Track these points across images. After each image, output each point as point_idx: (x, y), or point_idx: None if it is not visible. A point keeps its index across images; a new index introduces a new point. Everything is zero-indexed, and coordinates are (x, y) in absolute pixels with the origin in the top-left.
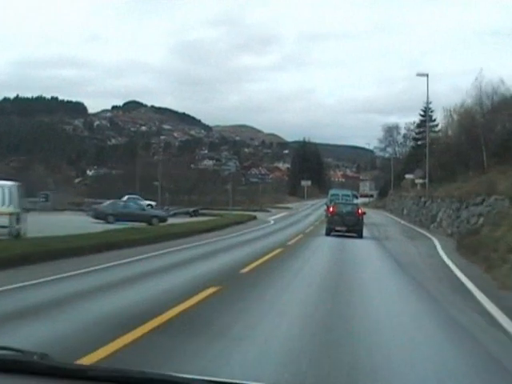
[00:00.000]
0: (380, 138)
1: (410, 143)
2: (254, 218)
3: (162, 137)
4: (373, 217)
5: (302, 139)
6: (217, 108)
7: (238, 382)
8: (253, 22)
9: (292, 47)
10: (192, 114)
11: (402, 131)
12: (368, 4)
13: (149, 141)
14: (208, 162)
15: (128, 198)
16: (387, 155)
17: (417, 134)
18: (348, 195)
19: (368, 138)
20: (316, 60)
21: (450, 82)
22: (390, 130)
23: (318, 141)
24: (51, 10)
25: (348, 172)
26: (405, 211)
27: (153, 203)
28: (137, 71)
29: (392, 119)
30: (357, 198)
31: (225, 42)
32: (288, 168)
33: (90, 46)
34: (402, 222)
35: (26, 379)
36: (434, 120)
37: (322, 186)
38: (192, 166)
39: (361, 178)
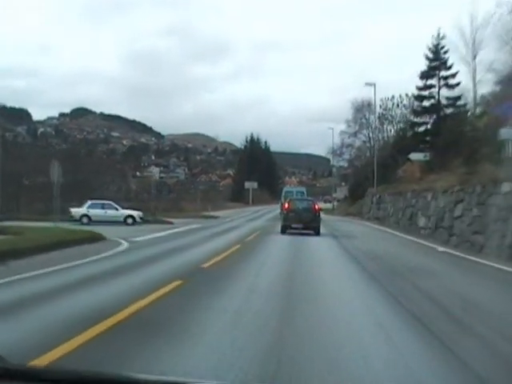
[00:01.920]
0: (349, 119)
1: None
2: (97, 239)
3: (111, 144)
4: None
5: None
6: (170, 117)
7: (192, 381)
8: (205, 32)
9: (246, 57)
10: (143, 121)
11: (378, 110)
12: (320, 14)
13: (94, 148)
14: (154, 169)
15: None
16: (350, 154)
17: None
18: (302, 192)
19: (322, 146)
20: (270, 69)
21: (398, 89)
22: (361, 110)
23: (273, 149)
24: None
25: (304, 179)
26: (421, 221)
27: None
28: (88, 80)
29: (343, 128)
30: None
31: (178, 51)
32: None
33: (41, 56)
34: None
35: None
36: (450, 67)
37: (273, 191)
38: (137, 173)
39: (317, 185)
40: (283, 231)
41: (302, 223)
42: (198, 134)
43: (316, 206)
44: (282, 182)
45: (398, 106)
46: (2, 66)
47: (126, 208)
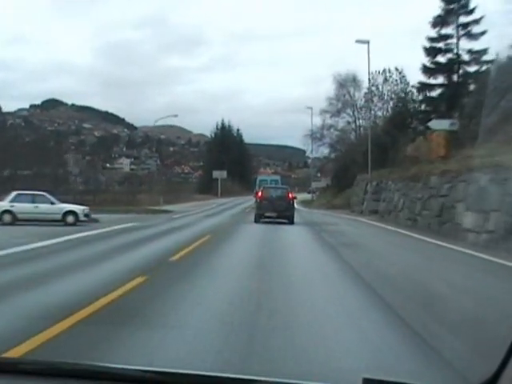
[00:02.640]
0: (330, 96)
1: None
2: None
3: (82, 136)
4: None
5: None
6: (144, 109)
7: (169, 370)
8: (179, 23)
9: (220, 48)
10: (116, 113)
11: (364, 85)
12: (294, 5)
13: (64, 139)
14: (125, 161)
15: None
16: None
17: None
18: (277, 181)
19: (297, 137)
20: (244, 61)
21: None
22: (345, 85)
23: (247, 141)
24: None
25: (280, 170)
26: (466, 218)
27: None
28: (61, 72)
29: (319, 120)
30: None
31: (151, 43)
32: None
33: (12, 47)
34: None
35: None
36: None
37: (246, 182)
38: (107, 165)
39: (293, 176)
40: (256, 220)
41: (276, 212)
42: (172, 126)
43: (290, 194)
44: (256, 172)
45: (386, 79)
46: None
47: (73, 202)
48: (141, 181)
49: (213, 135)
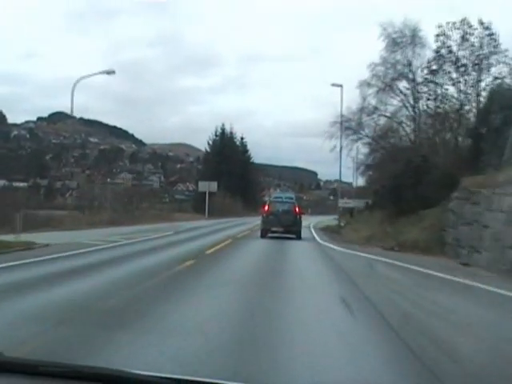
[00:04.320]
0: (376, 62)
1: None
2: None
3: (88, 150)
4: None
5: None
6: (155, 127)
7: (188, 378)
8: (192, 44)
9: (232, 69)
10: (124, 128)
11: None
12: (306, 27)
13: (67, 152)
14: (127, 176)
15: None
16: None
17: None
18: (291, 198)
19: (308, 160)
20: (256, 82)
21: None
22: (400, 45)
23: (257, 161)
24: None
25: (290, 192)
26: None
27: None
28: (71, 88)
29: (331, 144)
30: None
31: (164, 62)
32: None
33: (25, 63)
34: None
35: None
36: None
37: (250, 201)
38: (108, 179)
39: (304, 197)
40: (263, 235)
41: (283, 227)
42: (181, 144)
43: (297, 209)
44: (263, 192)
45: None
46: None
47: None
48: (141, 197)
49: (210, 142)
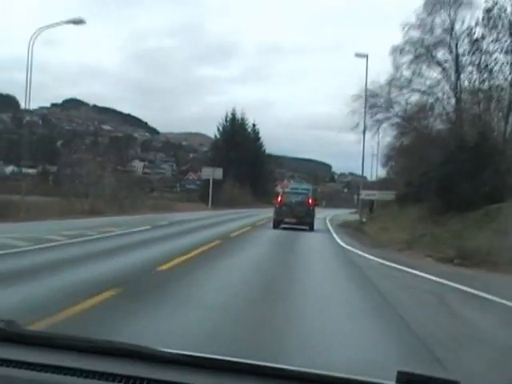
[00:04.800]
0: (411, 22)
1: None
2: None
3: (100, 138)
4: None
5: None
6: (171, 116)
7: (212, 356)
8: (212, 34)
9: (251, 60)
10: (139, 116)
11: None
12: (326, 20)
13: (80, 139)
14: (138, 164)
15: None
16: None
17: None
18: (308, 189)
19: (323, 153)
20: (275, 73)
21: None
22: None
23: (271, 153)
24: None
25: (304, 183)
26: None
27: None
28: (90, 75)
29: (346, 137)
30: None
31: (183, 51)
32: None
33: (41, 50)
34: None
35: None
36: None
37: (260, 192)
38: (119, 167)
39: (318, 190)
40: (275, 226)
41: (295, 218)
42: (197, 134)
43: (310, 200)
44: (277, 183)
45: None
46: (2, 58)
47: None
48: (152, 186)
49: (220, 128)
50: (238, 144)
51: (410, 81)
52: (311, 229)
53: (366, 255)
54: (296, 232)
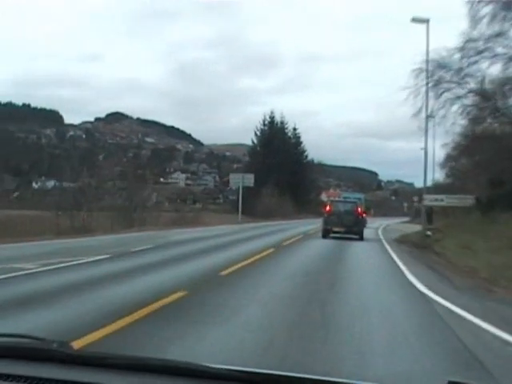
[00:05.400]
0: None
1: None
2: None
3: (144, 151)
4: None
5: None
6: (214, 128)
7: (261, 371)
8: (252, 44)
9: (291, 69)
10: (182, 128)
11: None
12: (366, 27)
13: (122, 153)
14: (180, 176)
15: None
16: None
17: None
18: (360, 199)
19: (368, 160)
20: (315, 83)
21: None
22: None
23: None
24: (44, 26)
25: (351, 192)
26: None
27: None
28: (132, 89)
29: (391, 144)
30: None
31: (223, 63)
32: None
33: (84, 65)
34: None
35: (46, 367)
36: None
37: (301, 200)
38: (161, 179)
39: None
40: (324, 236)
41: (344, 227)
42: (240, 145)
43: (359, 209)
44: (321, 192)
45: None
46: (48, 74)
47: None
48: (194, 198)
49: (258, 133)
50: (276, 150)
51: (496, 36)
52: (361, 238)
53: (463, 312)
54: (342, 265)
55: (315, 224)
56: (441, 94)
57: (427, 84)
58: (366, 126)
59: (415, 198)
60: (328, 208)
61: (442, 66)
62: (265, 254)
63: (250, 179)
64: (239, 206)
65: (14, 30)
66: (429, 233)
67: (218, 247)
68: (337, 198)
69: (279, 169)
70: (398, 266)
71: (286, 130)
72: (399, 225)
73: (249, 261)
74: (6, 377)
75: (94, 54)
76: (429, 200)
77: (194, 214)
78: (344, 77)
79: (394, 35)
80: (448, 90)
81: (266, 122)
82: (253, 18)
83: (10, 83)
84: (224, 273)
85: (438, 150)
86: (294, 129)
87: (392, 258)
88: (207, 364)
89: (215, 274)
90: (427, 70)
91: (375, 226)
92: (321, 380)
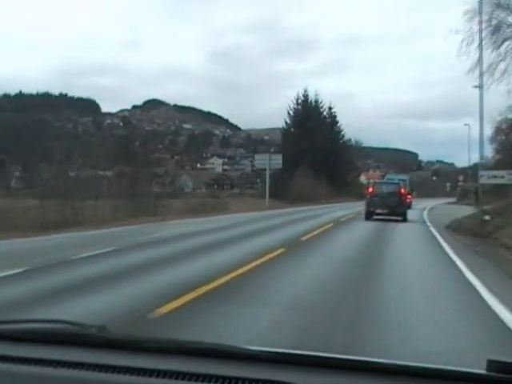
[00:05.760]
0: None
1: None
2: None
3: (181, 137)
4: None
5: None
6: (252, 113)
7: (300, 352)
8: (290, 27)
9: (330, 52)
10: (220, 113)
11: None
12: (405, 8)
13: (155, 138)
14: (217, 161)
15: None
16: None
17: None
18: (405, 180)
19: (408, 141)
20: (354, 64)
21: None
22: None
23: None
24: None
25: (391, 173)
26: None
27: None
28: (169, 76)
29: (432, 124)
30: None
31: (262, 46)
32: None
33: (123, 52)
34: None
35: (84, 352)
36: None
37: (338, 183)
38: (198, 165)
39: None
40: (367, 217)
41: (387, 208)
42: (279, 129)
43: (402, 190)
44: (358, 175)
45: None
46: (86, 63)
47: None
48: (231, 183)
49: (291, 113)
50: (311, 130)
51: None
52: (404, 219)
53: None
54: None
55: (354, 208)
56: (502, 43)
57: (480, 31)
58: (406, 107)
59: (460, 177)
60: (371, 189)
61: (502, 6)
62: (273, 255)
63: (277, 160)
64: (266, 191)
65: (49, 20)
66: (487, 217)
67: (211, 247)
68: (380, 180)
69: (314, 150)
70: (463, 274)
71: (321, 110)
72: (445, 207)
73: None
74: (44, 362)
75: (132, 41)
76: (486, 177)
77: (219, 200)
78: (383, 58)
79: (432, 16)
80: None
81: (300, 101)
82: (291, 1)
83: (47, 73)
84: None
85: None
86: (330, 108)
87: (450, 256)
88: (241, 346)
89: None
90: (480, 10)
91: (420, 208)
92: (360, 360)
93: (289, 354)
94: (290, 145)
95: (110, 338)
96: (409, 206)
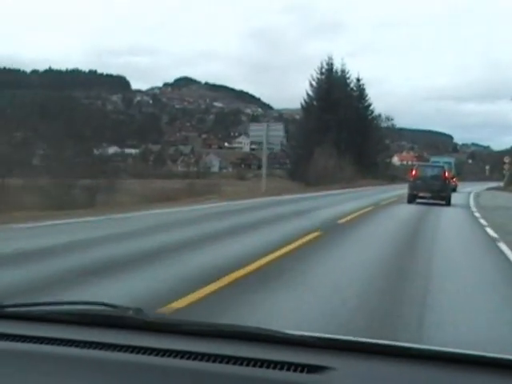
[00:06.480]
0: None
1: None
2: None
3: (211, 115)
4: None
5: None
6: (285, 93)
7: (340, 337)
8: (324, 9)
9: (363, 34)
10: (252, 92)
11: None
12: None
13: (182, 116)
14: (245, 140)
15: None
16: None
17: None
18: (450, 163)
19: (444, 123)
20: (388, 47)
21: None
22: None
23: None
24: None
25: (425, 155)
26: None
27: None
28: (203, 55)
29: (468, 106)
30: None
31: (296, 28)
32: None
33: (159, 33)
34: None
35: (121, 334)
36: None
37: (366, 164)
38: (226, 144)
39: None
40: (410, 201)
41: (430, 192)
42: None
43: (446, 174)
44: (391, 156)
45: None
46: (124, 44)
47: None
48: (259, 163)
49: (314, 83)
50: (336, 103)
51: None
52: (448, 204)
53: None
54: None
55: (389, 192)
56: None
57: None
58: (441, 89)
59: (506, 159)
60: (414, 172)
61: None
62: None
63: (277, 131)
64: (263, 171)
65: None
66: None
67: None
68: (424, 162)
69: (339, 126)
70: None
71: (348, 81)
72: (490, 194)
73: None
74: (81, 343)
75: (167, 22)
76: None
77: (212, 181)
78: (417, 40)
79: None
80: None
81: (324, 70)
82: None
83: (79, 52)
84: None
85: None
86: (358, 79)
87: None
88: (279, 330)
89: None
90: None
91: (464, 195)
92: (403, 347)
93: (329, 339)
94: (312, 120)
95: (147, 320)
96: (454, 189)
